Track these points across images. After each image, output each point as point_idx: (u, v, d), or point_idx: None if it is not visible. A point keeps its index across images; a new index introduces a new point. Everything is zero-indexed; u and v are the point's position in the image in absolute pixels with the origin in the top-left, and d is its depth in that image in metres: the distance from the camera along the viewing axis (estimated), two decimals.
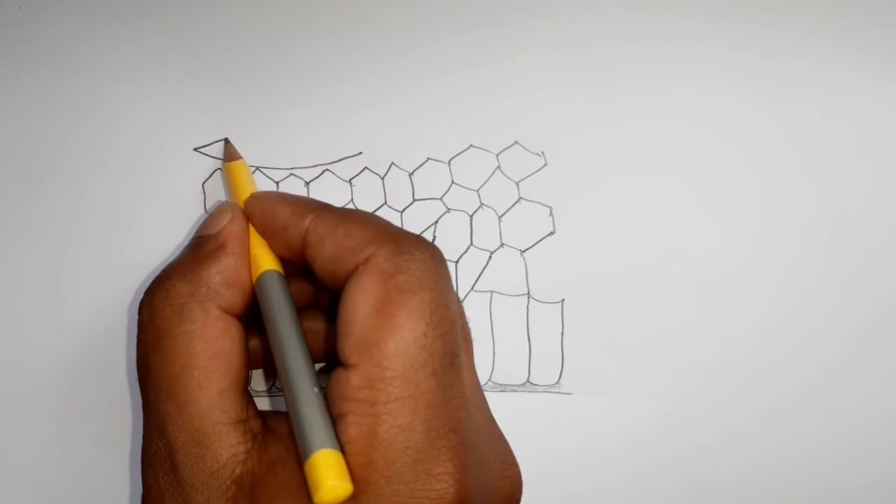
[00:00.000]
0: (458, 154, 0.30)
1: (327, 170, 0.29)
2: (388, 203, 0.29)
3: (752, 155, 0.31)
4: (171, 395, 0.21)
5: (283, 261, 0.24)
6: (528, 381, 0.29)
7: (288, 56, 0.30)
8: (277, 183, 0.29)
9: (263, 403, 0.28)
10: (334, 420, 0.21)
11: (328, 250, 0.22)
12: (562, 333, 0.29)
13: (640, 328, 0.29)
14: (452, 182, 0.30)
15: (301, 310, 0.24)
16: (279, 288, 0.23)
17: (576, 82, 0.31)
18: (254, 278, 0.23)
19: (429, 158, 0.30)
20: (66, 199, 0.28)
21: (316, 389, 0.21)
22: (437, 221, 0.29)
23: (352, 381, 0.20)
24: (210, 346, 0.22)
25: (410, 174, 0.29)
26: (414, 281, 0.21)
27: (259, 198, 0.24)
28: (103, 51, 0.29)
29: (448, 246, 0.29)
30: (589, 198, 0.30)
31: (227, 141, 0.28)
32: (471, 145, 0.30)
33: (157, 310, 0.22)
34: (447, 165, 0.30)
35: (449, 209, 0.29)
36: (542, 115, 0.30)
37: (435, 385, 0.20)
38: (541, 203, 0.30)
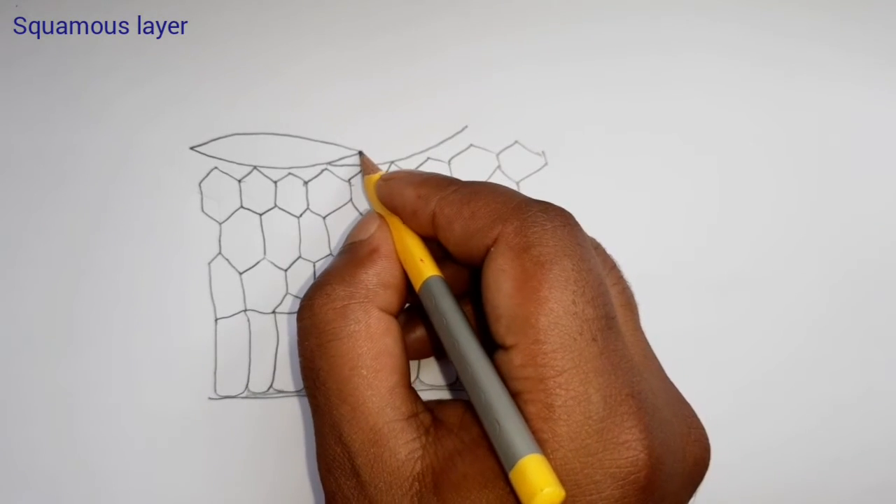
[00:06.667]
0: (458, 153, 0.30)
1: (326, 169, 0.29)
2: None
3: (756, 157, 0.31)
4: (343, 398, 0.21)
5: (428, 240, 0.24)
6: None
7: (286, 55, 0.30)
8: (276, 182, 0.28)
9: (263, 405, 0.27)
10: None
11: (457, 233, 0.22)
12: None
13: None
14: None
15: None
16: (444, 294, 0.22)
17: (577, 82, 0.31)
18: (416, 287, 0.23)
19: (429, 158, 0.29)
20: (62, 198, 0.28)
21: (507, 395, 0.20)
22: None
23: (514, 361, 0.20)
24: (375, 344, 0.22)
25: None
26: (549, 251, 0.20)
27: (388, 181, 0.25)
28: (99, 49, 0.29)
29: None
30: (589, 198, 0.30)
31: (361, 154, 0.29)
32: (471, 145, 0.30)
33: (319, 314, 0.22)
34: (447, 165, 0.29)
35: None
36: (543, 115, 0.30)
37: (598, 351, 0.20)
38: None
